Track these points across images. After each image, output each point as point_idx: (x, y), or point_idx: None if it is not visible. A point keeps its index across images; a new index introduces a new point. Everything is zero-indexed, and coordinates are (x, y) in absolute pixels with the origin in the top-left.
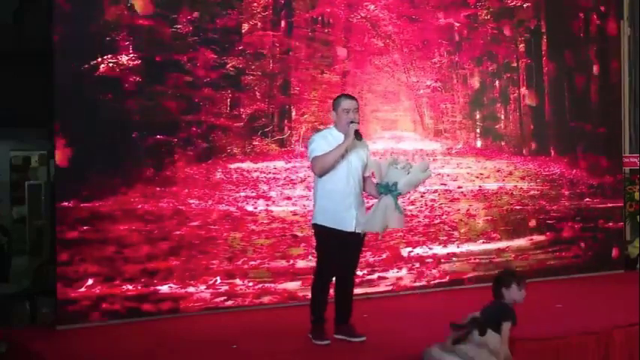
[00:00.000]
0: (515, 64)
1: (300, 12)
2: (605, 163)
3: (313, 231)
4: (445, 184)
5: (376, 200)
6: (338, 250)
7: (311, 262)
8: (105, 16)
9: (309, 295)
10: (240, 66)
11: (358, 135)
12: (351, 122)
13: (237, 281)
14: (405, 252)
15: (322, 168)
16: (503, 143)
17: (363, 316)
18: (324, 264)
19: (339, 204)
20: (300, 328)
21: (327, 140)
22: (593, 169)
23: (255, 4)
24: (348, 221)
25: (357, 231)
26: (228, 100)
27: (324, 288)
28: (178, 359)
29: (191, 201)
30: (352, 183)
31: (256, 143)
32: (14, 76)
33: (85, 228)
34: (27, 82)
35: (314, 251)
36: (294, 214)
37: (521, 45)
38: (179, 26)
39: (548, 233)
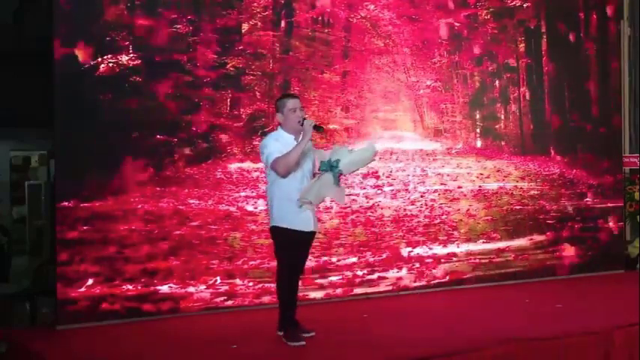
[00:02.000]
0: (515, 64)
1: (300, 12)
2: (605, 163)
3: (272, 234)
4: (445, 184)
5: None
6: (298, 249)
7: (311, 262)
8: (105, 16)
9: (309, 294)
10: (240, 66)
11: (321, 128)
12: (304, 119)
13: (237, 281)
14: (405, 252)
15: (287, 167)
16: (503, 143)
17: (363, 316)
18: (289, 264)
19: (296, 205)
20: None
21: (280, 142)
22: (593, 169)
23: (255, 4)
24: (305, 221)
25: (313, 230)
26: (228, 100)
27: (292, 288)
28: (178, 359)
29: (191, 201)
30: (306, 183)
31: (256, 143)
32: (14, 76)
33: (85, 228)
34: (27, 82)
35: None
36: None
37: (521, 45)
38: (179, 26)
39: (548, 233)
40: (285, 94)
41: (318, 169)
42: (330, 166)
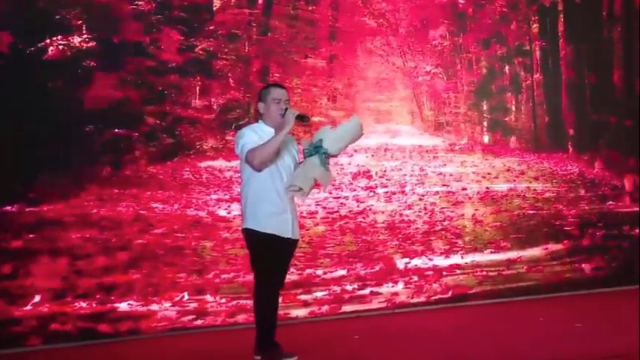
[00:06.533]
0: (527, 47)
1: None
2: (631, 160)
3: (245, 237)
4: (447, 185)
5: None
6: (276, 257)
7: (293, 275)
8: None
9: (290, 312)
10: (212, 49)
11: (306, 119)
12: (286, 109)
13: (208, 297)
14: (401, 263)
15: (263, 160)
16: (514, 138)
17: (353, 338)
18: (266, 276)
19: (274, 206)
20: None
21: (258, 135)
22: (618, 167)
23: None
24: (283, 225)
25: (292, 237)
26: (198, 88)
27: (271, 305)
28: None
29: (154, 205)
30: (286, 180)
31: (230, 138)
32: None
33: (31, 236)
34: None
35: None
36: None
37: (535, 25)
38: (140, 2)
39: (565, 242)
40: (272, 83)
41: (303, 156)
42: (315, 148)
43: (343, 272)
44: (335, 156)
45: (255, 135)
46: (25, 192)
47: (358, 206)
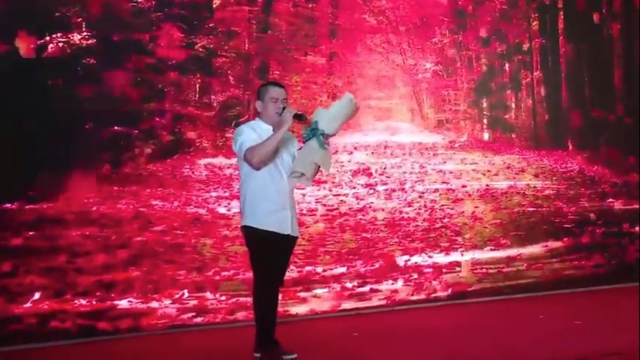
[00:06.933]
0: (527, 45)
1: None
2: (631, 158)
3: (244, 235)
4: (447, 183)
5: None
6: (275, 254)
7: (293, 272)
8: None
9: (290, 309)
10: (211, 46)
11: (303, 117)
12: (284, 108)
13: (208, 295)
14: (400, 261)
15: (261, 158)
16: (514, 136)
17: (352, 335)
18: (265, 273)
19: (272, 204)
20: None
21: (256, 132)
22: (617, 165)
23: None
24: (282, 222)
25: (291, 233)
26: (197, 85)
27: (270, 302)
28: None
29: (154, 202)
30: (285, 179)
31: (229, 135)
32: None
33: (31, 234)
34: None
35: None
36: None
37: (535, 23)
38: (140, 0)
39: (565, 239)
40: (271, 81)
41: (303, 141)
42: (312, 131)
43: (343, 270)
44: (333, 135)
45: (254, 133)
46: (24, 189)
47: (358, 203)
